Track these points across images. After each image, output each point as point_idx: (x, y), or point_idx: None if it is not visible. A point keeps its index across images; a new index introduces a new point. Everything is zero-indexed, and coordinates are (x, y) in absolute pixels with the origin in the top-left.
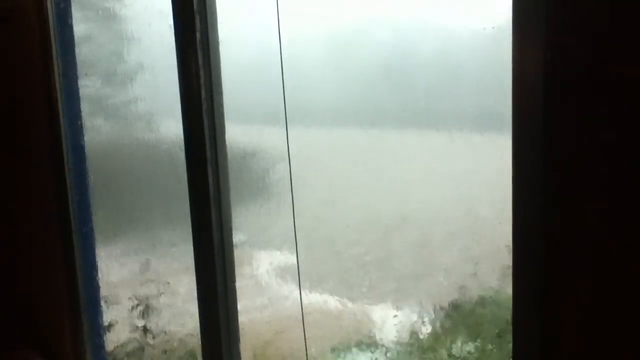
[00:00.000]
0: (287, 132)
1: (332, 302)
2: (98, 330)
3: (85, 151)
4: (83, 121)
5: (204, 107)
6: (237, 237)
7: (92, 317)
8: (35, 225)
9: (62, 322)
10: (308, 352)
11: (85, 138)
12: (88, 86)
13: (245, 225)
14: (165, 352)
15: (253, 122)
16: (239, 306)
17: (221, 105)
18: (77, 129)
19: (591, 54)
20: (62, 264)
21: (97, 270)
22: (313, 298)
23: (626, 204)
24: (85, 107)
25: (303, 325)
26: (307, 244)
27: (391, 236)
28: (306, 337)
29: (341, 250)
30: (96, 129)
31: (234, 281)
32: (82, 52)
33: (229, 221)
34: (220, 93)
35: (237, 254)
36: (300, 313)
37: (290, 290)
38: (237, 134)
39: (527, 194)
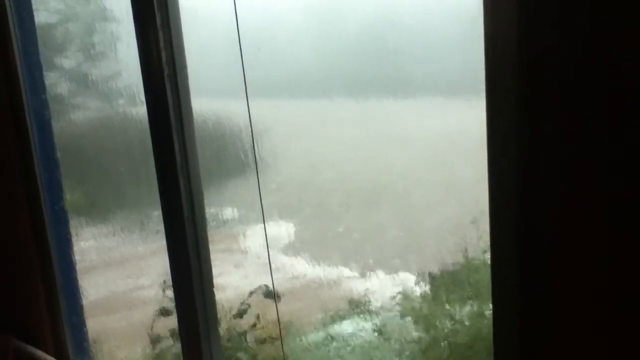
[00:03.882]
0: (248, 104)
1: (328, 273)
2: (77, 311)
3: (52, 125)
4: (47, 94)
5: (166, 71)
6: (227, 213)
7: (70, 297)
8: (2, 205)
9: (38, 304)
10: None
11: (52, 111)
12: (52, 61)
13: (234, 201)
14: None
15: (235, 96)
16: (229, 282)
17: (184, 69)
18: (41, 102)
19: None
20: (34, 245)
21: (72, 250)
22: (308, 270)
23: (601, 165)
24: (54, 82)
25: (275, 297)
26: (301, 218)
27: (375, 207)
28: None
29: (329, 224)
30: (66, 105)
31: (208, 252)
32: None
33: (200, 191)
34: (183, 56)
35: (226, 230)
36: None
37: (282, 263)
38: (217, 108)
39: (502, 158)
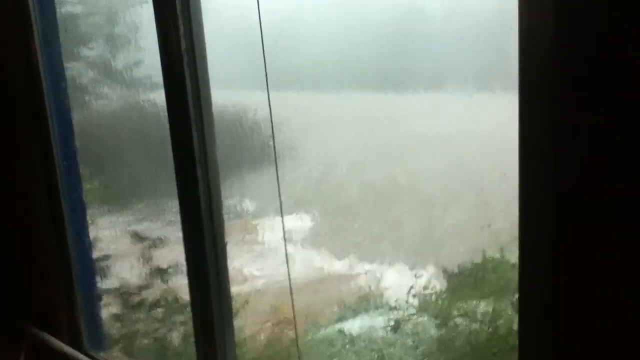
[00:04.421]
0: (269, 96)
1: (345, 266)
2: (92, 299)
3: (71, 114)
4: (67, 83)
5: (185, 59)
6: (245, 205)
7: (87, 286)
8: (21, 193)
9: (55, 292)
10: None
11: (72, 100)
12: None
13: (252, 193)
14: None
15: (254, 88)
16: (247, 273)
17: (204, 58)
18: (61, 91)
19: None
20: (52, 233)
21: (89, 238)
22: (325, 263)
23: (634, 162)
24: (74, 72)
25: (291, 291)
26: (318, 212)
27: (392, 203)
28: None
29: (346, 218)
30: (86, 94)
31: (224, 244)
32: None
33: (217, 182)
34: (203, 45)
35: (243, 221)
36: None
37: (299, 255)
38: (236, 99)
39: (534, 154)
